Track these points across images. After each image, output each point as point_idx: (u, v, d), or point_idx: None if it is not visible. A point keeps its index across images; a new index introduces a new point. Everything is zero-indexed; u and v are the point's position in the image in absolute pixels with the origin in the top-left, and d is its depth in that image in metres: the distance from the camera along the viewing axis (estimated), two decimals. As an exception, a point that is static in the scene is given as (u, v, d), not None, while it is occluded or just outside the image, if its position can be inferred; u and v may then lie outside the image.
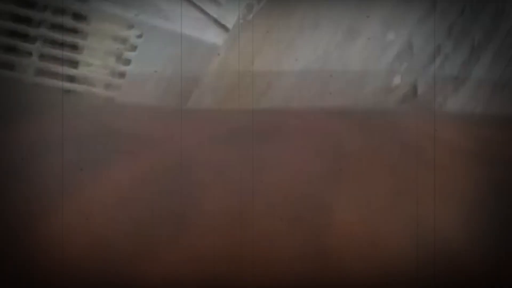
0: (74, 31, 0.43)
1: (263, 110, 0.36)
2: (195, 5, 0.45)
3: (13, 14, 0.42)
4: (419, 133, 0.28)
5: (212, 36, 0.47)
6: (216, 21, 0.46)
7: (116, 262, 0.24)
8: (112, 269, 0.24)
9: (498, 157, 0.27)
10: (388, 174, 0.26)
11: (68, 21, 0.42)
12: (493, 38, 0.58)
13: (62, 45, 0.43)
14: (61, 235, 0.24)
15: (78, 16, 0.43)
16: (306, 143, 0.27)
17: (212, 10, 0.46)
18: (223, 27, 0.47)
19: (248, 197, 0.25)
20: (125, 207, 0.25)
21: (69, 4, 0.42)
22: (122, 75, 0.45)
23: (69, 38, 0.43)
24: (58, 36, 0.43)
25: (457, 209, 0.25)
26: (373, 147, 0.27)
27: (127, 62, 0.46)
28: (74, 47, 0.44)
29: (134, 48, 0.46)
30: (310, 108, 0.39)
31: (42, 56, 0.43)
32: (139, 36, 0.44)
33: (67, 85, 0.44)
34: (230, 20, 0.47)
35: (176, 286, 0.26)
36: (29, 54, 0.42)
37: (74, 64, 0.44)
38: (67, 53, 0.43)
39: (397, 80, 0.55)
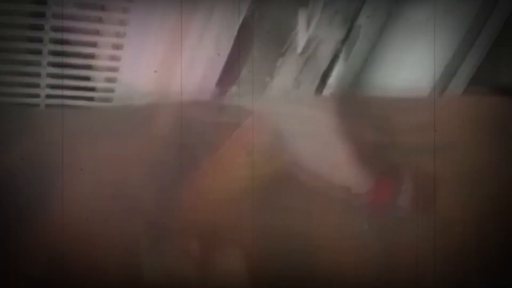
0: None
1: None
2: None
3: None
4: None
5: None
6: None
7: (115, 261, 0.24)
8: (111, 268, 0.24)
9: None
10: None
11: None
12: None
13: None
14: (61, 235, 0.24)
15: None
16: None
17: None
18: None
19: None
20: (125, 207, 0.25)
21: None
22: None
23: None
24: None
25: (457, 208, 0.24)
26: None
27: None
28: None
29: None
30: None
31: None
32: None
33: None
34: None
35: (176, 285, 0.26)
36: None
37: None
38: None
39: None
